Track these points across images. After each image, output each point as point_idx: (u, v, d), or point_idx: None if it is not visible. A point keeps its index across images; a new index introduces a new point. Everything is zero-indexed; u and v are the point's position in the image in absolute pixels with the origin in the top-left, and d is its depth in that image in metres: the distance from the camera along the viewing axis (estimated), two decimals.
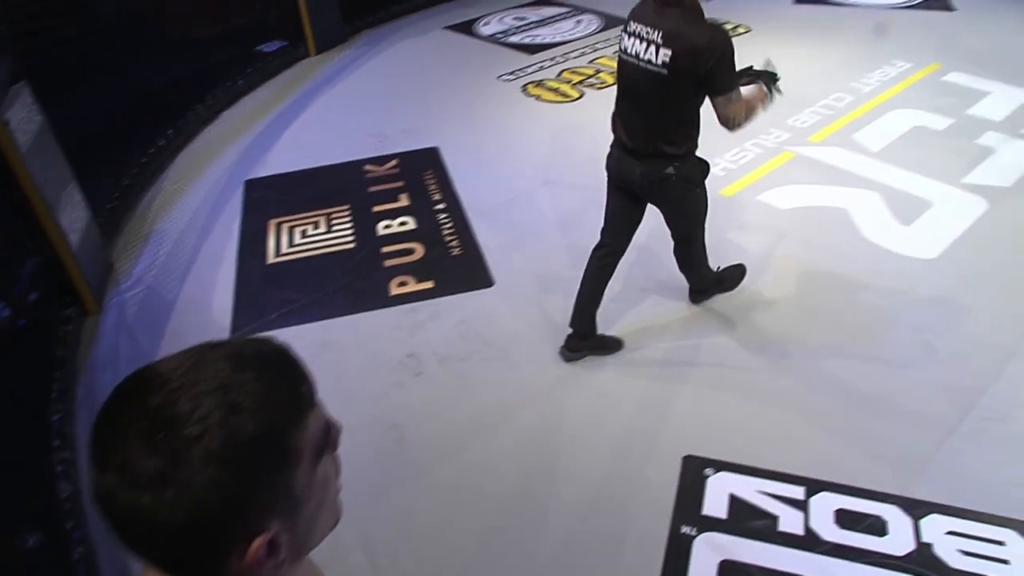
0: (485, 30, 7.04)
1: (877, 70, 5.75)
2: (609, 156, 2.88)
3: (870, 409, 2.92)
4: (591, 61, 6.23)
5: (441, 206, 4.26)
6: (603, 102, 5.44)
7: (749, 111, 2.60)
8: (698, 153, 2.78)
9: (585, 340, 3.19)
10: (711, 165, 2.86)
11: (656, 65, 2.48)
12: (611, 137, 2.86)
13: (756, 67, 2.71)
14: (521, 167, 4.66)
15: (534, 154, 4.82)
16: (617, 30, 6.73)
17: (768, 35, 6.42)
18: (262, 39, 6.49)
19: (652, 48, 2.48)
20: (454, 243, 3.94)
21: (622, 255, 3.10)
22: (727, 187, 4.13)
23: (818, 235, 3.90)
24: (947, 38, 6.43)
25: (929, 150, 4.67)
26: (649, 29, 2.48)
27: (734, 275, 3.51)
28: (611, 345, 3.25)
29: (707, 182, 2.86)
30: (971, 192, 4.24)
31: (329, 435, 0.76)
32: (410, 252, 3.91)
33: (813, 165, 4.50)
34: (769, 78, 2.68)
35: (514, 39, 6.77)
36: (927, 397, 2.96)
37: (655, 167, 2.70)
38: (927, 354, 3.17)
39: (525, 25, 7.10)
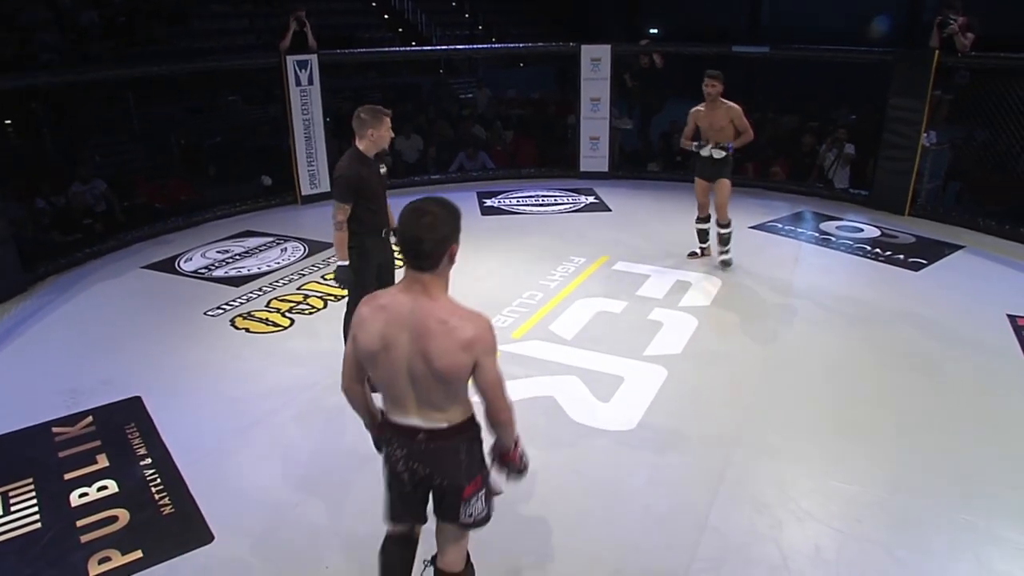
0: (187, 266, 6.89)
1: (559, 266, 6.54)
2: None
3: None
4: (299, 288, 6.31)
5: (147, 461, 3.89)
6: (314, 327, 5.51)
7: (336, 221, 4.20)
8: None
9: None
10: None
11: None
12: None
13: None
14: (235, 405, 4.45)
15: (248, 389, 4.64)
16: (322, 255, 6.99)
17: (463, 245, 7.04)
18: None
19: None
20: (164, 501, 3.58)
21: None
22: None
23: (532, 426, 4.14)
24: (609, 234, 7.59)
25: (613, 331, 5.33)
26: None
27: None
28: None
29: None
30: (652, 363, 4.86)
31: None
32: (112, 520, 3.47)
33: (519, 360, 4.88)
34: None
35: (219, 273, 6.69)
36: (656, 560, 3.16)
37: None
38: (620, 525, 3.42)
39: (230, 258, 7.08)
